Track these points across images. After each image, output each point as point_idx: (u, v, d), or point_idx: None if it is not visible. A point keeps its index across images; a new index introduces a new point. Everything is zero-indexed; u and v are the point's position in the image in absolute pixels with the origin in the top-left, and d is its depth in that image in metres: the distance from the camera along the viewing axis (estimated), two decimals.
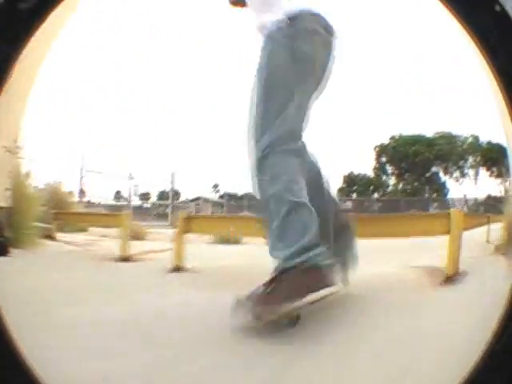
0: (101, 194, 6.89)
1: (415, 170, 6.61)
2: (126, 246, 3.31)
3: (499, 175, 6.49)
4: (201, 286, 2.41)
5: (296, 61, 2.15)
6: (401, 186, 6.68)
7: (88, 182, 6.37)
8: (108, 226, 3.96)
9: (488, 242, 3.86)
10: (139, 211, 6.86)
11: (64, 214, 4.22)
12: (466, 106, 5.48)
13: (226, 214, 6.49)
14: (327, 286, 1.98)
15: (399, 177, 6.72)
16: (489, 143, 6.67)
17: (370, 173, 6.76)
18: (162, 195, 6.82)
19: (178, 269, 2.89)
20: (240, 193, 6.32)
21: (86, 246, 4.20)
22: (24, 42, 1.53)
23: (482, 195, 6.54)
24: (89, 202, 7.04)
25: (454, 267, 2.54)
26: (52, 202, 4.62)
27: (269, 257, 1.85)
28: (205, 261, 3.09)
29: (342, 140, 5.54)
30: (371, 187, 6.61)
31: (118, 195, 7.10)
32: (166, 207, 6.42)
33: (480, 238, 3.87)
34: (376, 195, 6.70)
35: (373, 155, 6.69)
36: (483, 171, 6.72)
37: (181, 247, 2.96)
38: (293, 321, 1.78)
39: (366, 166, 6.71)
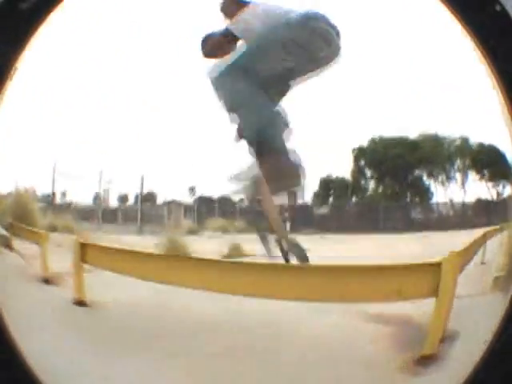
0: (78, 197, 6.79)
1: (396, 174, 6.31)
2: (44, 265, 3.16)
3: (491, 178, 6.14)
4: (92, 328, 2.22)
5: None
6: (380, 189, 6.38)
7: (62, 185, 6.28)
8: (32, 241, 3.84)
9: (483, 263, 3.52)
10: (114, 214, 6.75)
11: (12, 225, 4.12)
12: (456, 106, 5.18)
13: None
14: None
15: (379, 180, 6.42)
16: (480, 145, 6.32)
17: (348, 176, 6.47)
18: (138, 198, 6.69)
19: (79, 302, 2.64)
20: (214, 197, 6.13)
21: (34, 260, 4.08)
22: (24, 41, 1.44)
23: (470, 199, 6.20)
24: (70, 203, 6.97)
25: (435, 343, 1.85)
26: (13, 208, 4.52)
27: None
28: (118, 293, 2.80)
29: (319, 143, 5.29)
30: (349, 191, 6.34)
31: (96, 197, 7.01)
32: (136, 211, 6.29)
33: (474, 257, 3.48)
34: (354, 199, 6.42)
35: (350, 158, 6.38)
36: (472, 175, 6.35)
37: (80, 279, 2.65)
38: None
39: (343, 170, 6.42)
